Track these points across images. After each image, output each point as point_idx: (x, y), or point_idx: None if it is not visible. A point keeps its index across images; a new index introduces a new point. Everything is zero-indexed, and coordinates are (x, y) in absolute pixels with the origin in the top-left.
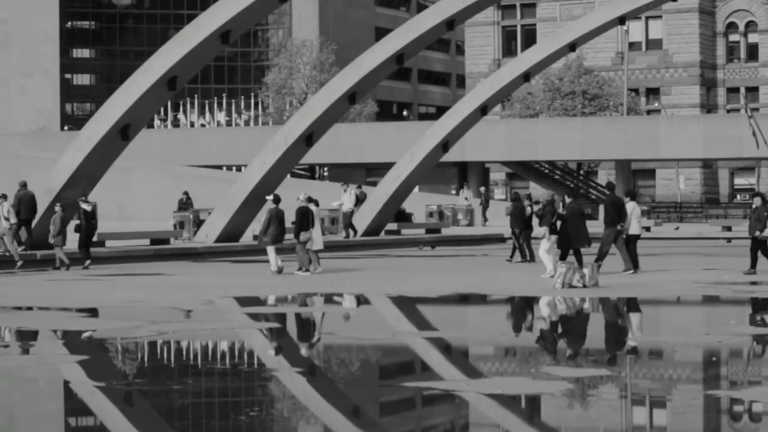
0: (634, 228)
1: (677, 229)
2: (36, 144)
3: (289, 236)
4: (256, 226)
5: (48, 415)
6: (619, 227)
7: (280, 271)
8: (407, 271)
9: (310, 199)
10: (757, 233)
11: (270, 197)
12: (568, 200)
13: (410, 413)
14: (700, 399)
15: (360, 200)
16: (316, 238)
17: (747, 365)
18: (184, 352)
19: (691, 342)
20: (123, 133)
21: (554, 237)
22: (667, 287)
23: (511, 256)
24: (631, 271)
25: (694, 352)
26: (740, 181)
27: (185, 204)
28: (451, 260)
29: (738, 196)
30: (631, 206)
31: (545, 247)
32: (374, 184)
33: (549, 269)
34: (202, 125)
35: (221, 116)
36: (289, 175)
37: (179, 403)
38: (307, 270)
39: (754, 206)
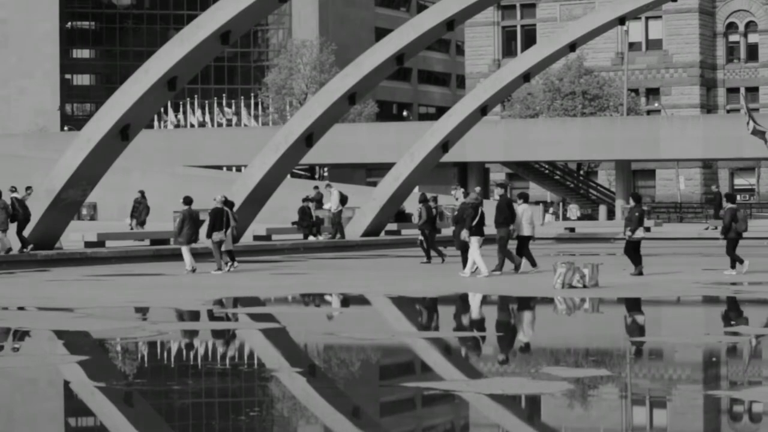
0: (525, 230)
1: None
2: (36, 144)
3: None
4: (256, 227)
5: (48, 415)
6: (511, 228)
7: (193, 270)
8: (408, 270)
9: (226, 201)
10: (628, 234)
11: (218, 197)
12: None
13: (410, 413)
14: (700, 399)
15: (342, 201)
16: (229, 238)
17: (747, 365)
18: (184, 352)
19: (691, 342)
20: (123, 133)
21: (477, 238)
22: (667, 287)
23: (427, 258)
24: (499, 272)
25: (694, 352)
26: (740, 181)
27: (140, 203)
28: (450, 260)
29: (738, 197)
30: (522, 208)
31: (475, 249)
32: (374, 184)
33: (483, 271)
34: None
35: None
36: (289, 175)
37: (179, 403)
38: (219, 269)
39: (629, 206)
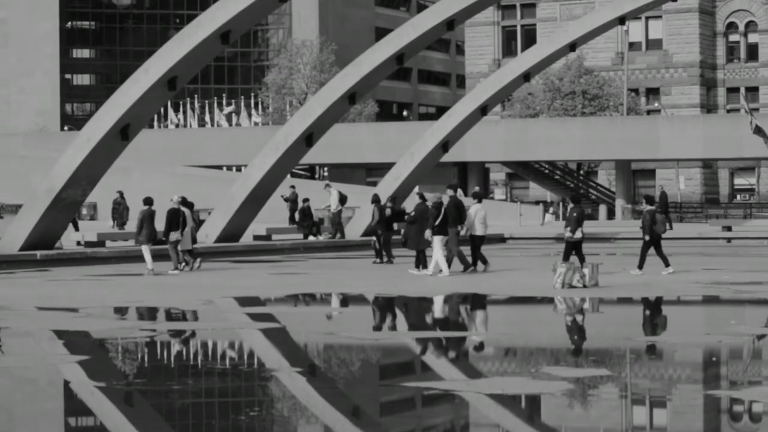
0: (478, 230)
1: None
2: (36, 144)
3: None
4: (256, 227)
5: (48, 415)
6: (459, 228)
7: (153, 272)
8: (407, 270)
9: (184, 202)
10: (568, 234)
11: (175, 198)
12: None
13: (410, 413)
14: (700, 399)
15: (341, 201)
16: (185, 238)
17: (747, 365)
18: (184, 352)
19: (691, 342)
20: (123, 133)
21: (438, 238)
22: (667, 287)
23: (378, 257)
24: (447, 273)
25: (694, 352)
26: (740, 181)
27: (119, 204)
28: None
29: (738, 196)
30: (475, 209)
31: (438, 248)
32: (374, 184)
33: (445, 271)
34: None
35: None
36: (289, 175)
37: (179, 403)
38: (176, 269)
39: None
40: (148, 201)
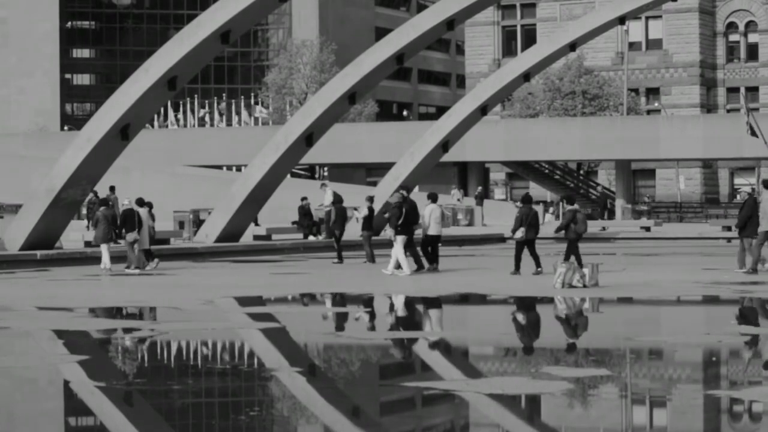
0: (432, 229)
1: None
2: (36, 144)
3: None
4: (256, 226)
5: (48, 415)
6: (414, 228)
7: (107, 269)
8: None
9: (141, 202)
10: (511, 234)
11: (128, 199)
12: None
13: (410, 413)
14: (700, 399)
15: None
16: (143, 238)
17: (747, 365)
18: (184, 352)
19: (691, 342)
20: (123, 133)
21: (401, 237)
22: (667, 287)
23: (338, 258)
24: (420, 270)
25: (694, 352)
26: (740, 181)
27: (94, 204)
28: (450, 260)
29: (738, 196)
30: (429, 209)
31: (398, 248)
32: (374, 184)
33: (406, 270)
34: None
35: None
36: (289, 175)
37: (179, 403)
38: (138, 267)
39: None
40: (104, 202)
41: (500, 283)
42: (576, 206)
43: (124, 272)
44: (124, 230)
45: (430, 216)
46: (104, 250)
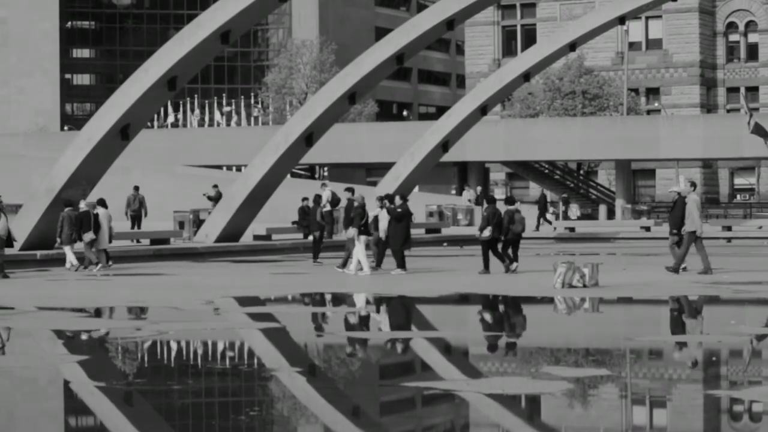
0: (383, 232)
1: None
2: (36, 144)
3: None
4: (256, 226)
5: (48, 415)
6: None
7: (76, 269)
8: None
9: (102, 203)
10: (478, 234)
11: (85, 201)
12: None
13: (410, 413)
14: (700, 399)
15: (333, 202)
16: (102, 238)
17: (747, 365)
18: (184, 352)
19: (691, 342)
20: (123, 133)
21: (364, 237)
22: (667, 287)
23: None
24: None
25: (694, 352)
26: (740, 181)
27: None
28: (450, 260)
29: (738, 196)
30: (379, 212)
31: (360, 248)
32: (374, 184)
33: (365, 269)
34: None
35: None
36: (289, 175)
37: (179, 403)
38: (99, 263)
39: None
40: (68, 203)
41: (500, 283)
42: (515, 207)
43: (90, 274)
44: (82, 231)
45: (380, 220)
46: (68, 251)
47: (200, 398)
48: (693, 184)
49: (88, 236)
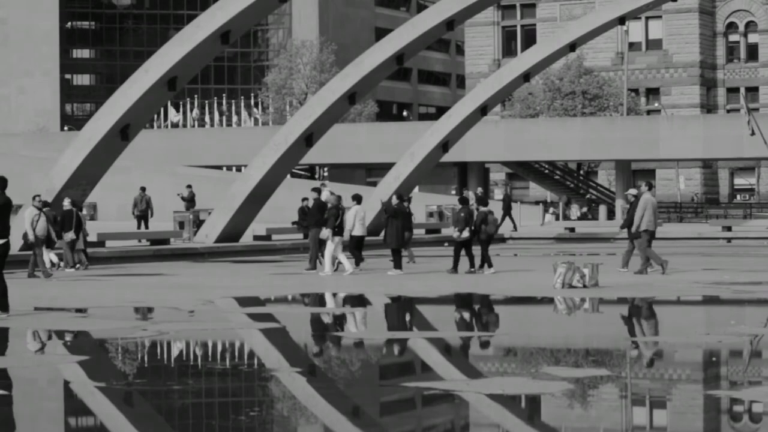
0: (357, 230)
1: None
2: (36, 144)
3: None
4: (256, 226)
5: (48, 415)
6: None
7: (51, 269)
8: (408, 270)
9: (77, 202)
10: (456, 234)
11: (67, 200)
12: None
13: (410, 413)
14: (700, 399)
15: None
16: (81, 238)
17: (747, 365)
18: (184, 352)
19: (691, 342)
20: (123, 133)
21: (338, 238)
22: (667, 287)
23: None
24: (352, 271)
25: (694, 352)
26: (740, 181)
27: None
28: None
29: (738, 196)
30: (354, 209)
31: (331, 248)
32: (374, 184)
33: (327, 270)
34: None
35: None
36: (289, 175)
37: (179, 403)
38: (79, 263)
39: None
40: (45, 204)
41: (500, 283)
42: (488, 208)
43: (71, 274)
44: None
45: (354, 217)
46: (45, 252)
47: (200, 398)
48: (650, 185)
49: (69, 236)
